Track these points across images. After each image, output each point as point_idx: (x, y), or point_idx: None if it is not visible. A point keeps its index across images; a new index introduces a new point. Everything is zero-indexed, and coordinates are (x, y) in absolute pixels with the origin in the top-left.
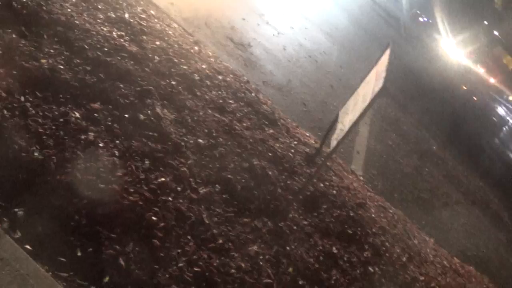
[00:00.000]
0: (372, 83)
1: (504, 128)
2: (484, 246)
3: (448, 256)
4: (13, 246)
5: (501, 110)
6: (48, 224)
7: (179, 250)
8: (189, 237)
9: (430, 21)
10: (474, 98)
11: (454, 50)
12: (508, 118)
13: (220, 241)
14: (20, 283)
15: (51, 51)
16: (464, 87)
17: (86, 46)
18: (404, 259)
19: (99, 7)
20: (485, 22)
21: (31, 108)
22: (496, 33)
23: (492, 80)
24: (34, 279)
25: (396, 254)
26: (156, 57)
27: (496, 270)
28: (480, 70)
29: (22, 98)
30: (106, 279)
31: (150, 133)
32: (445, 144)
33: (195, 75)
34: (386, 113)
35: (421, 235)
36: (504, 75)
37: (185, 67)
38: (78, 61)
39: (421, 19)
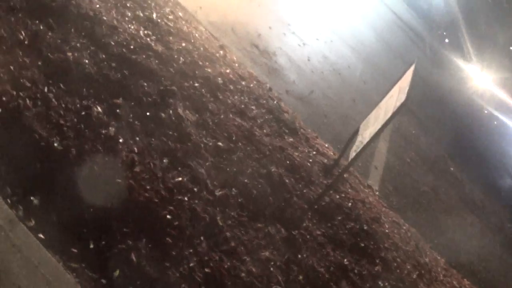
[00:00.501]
0: (395, 97)
1: None
2: (495, 270)
3: (459, 277)
4: (26, 234)
5: None
6: (62, 214)
7: (191, 250)
8: (202, 238)
9: (455, 43)
10: (495, 122)
11: (478, 73)
12: None
13: (233, 244)
14: (30, 270)
15: (78, 45)
16: (486, 111)
17: (112, 43)
18: (414, 276)
19: (128, 5)
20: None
21: (54, 99)
22: None
23: None
24: (44, 268)
25: (406, 270)
26: (181, 58)
27: None
28: (503, 95)
29: (46, 89)
30: (117, 273)
31: (170, 132)
32: (463, 166)
33: (219, 78)
34: (406, 131)
35: (433, 254)
36: None
37: (209, 70)
38: (103, 56)
39: (447, 40)
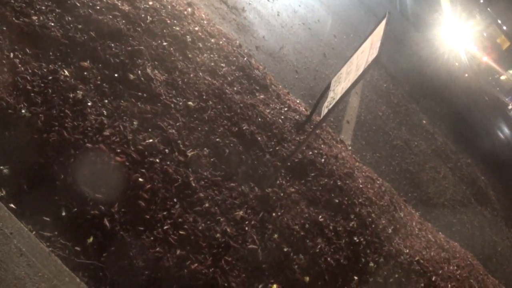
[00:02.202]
0: (367, 52)
1: (495, 107)
2: (469, 222)
3: (433, 231)
4: None
5: (492, 89)
6: (33, 183)
7: (164, 213)
8: (175, 200)
9: None
10: (466, 74)
11: (449, 26)
12: (498, 97)
13: (207, 205)
14: (2, 241)
15: (43, 8)
16: (456, 64)
17: (78, 4)
18: (389, 231)
19: None
20: (481, 1)
21: (20, 65)
22: (490, 11)
23: (485, 59)
24: (17, 238)
25: (381, 225)
26: (149, 17)
27: (480, 246)
28: (474, 49)
29: (12, 55)
30: (90, 239)
31: (140, 93)
32: (435, 119)
33: (187, 37)
34: (378, 85)
35: (408, 208)
36: (497, 55)
37: (177, 29)
38: (69, 18)
39: None
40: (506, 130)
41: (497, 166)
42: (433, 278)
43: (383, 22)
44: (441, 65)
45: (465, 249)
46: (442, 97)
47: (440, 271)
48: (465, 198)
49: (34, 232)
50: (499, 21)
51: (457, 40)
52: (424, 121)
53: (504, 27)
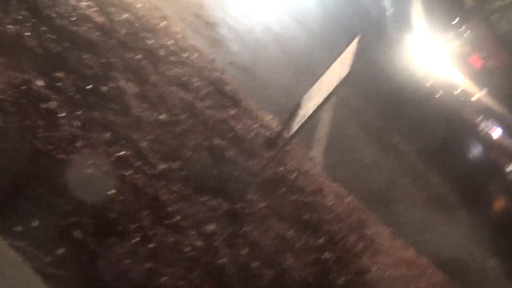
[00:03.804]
0: (339, 69)
1: (466, 127)
2: (441, 240)
3: (404, 247)
4: None
5: (463, 110)
6: (4, 192)
7: (135, 225)
8: (145, 212)
9: (400, 15)
10: (436, 96)
11: (422, 46)
12: (469, 118)
13: (177, 218)
14: None
15: (18, 17)
16: (427, 84)
17: (54, 14)
18: (359, 247)
19: None
20: (455, 21)
21: None
22: (464, 30)
23: (456, 78)
24: None
25: (351, 242)
26: (123, 30)
27: (450, 264)
28: (447, 69)
29: None
30: (61, 250)
31: (112, 105)
32: (406, 138)
33: (161, 50)
34: (350, 103)
35: (377, 225)
36: (470, 75)
37: (151, 42)
38: (44, 28)
39: (388, 12)
40: (476, 150)
41: (468, 186)
42: None
43: (355, 41)
44: (412, 85)
45: (436, 266)
46: (414, 117)
47: None
48: (435, 217)
49: (6, 242)
50: (472, 41)
51: (429, 60)
52: (396, 140)
53: (477, 47)
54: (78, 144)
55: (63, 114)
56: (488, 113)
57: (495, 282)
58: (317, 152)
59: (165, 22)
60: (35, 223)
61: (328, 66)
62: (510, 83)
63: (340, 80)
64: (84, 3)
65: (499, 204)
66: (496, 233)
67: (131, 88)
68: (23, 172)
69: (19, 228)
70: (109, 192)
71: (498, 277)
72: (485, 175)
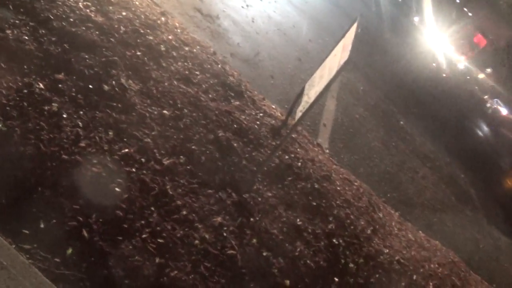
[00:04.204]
0: (339, 56)
1: (473, 106)
2: (450, 221)
3: (413, 230)
4: None
5: (470, 88)
6: (11, 195)
7: (142, 222)
8: (152, 208)
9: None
10: (444, 75)
11: (426, 27)
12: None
13: (184, 212)
14: None
15: (16, 21)
16: (434, 64)
17: (52, 17)
18: (368, 231)
19: None
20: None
21: None
22: (467, 11)
23: (462, 58)
24: None
25: (360, 227)
26: (122, 28)
27: (462, 244)
28: (452, 49)
29: None
30: (70, 251)
31: (115, 104)
32: (413, 119)
33: (161, 46)
34: (354, 88)
35: (387, 209)
36: (475, 54)
37: (151, 38)
38: (43, 31)
39: None
40: (484, 128)
41: (476, 164)
42: (414, 277)
43: (355, 25)
44: (418, 66)
45: (446, 247)
46: (420, 98)
47: (421, 270)
48: (445, 197)
49: (14, 245)
50: (476, 20)
51: (434, 40)
52: (402, 122)
53: (481, 26)
54: (82, 144)
55: (66, 115)
56: (495, 91)
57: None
58: (323, 138)
59: (165, 17)
60: (42, 225)
61: (330, 51)
62: None
63: (340, 66)
64: (81, 4)
65: (510, 180)
66: (507, 211)
67: (133, 85)
68: (28, 174)
69: (26, 231)
70: (116, 190)
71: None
72: (495, 153)
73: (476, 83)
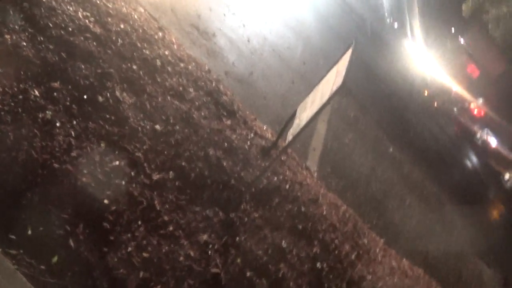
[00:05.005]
0: (332, 80)
1: (463, 136)
2: (435, 250)
3: (397, 257)
4: None
5: (461, 118)
6: (0, 201)
7: (129, 235)
8: (139, 222)
9: (398, 24)
10: (435, 104)
11: (420, 55)
12: (468, 127)
13: (171, 228)
14: None
15: (16, 27)
16: (426, 92)
17: (51, 24)
18: (352, 257)
19: None
20: (452, 29)
21: None
22: (462, 41)
23: (454, 88)
24: None
25: (345, 252)
26: (120, 40)
27: (445, 274)
28: (444, 77)
29: None
30: (55, 259)
31: (108, 116)
32: (402, 147)
33: (157, 60)
34: (346, 113)
35: (372, 235)
36: (468, 84)
37: (147, 52)
38: (41, 38)
39: (388, 21)
40: (473, 158)
41: (463, 195)
42: None
43: (350, 51)
44: (410, 93)
45: (429, 276)
46: (410, 126)
47: None
48: (431, 227)
49: (0, 250)
50: (470, 51)
51: (427, 68)
52: (391, 149)
53: (475, 57)
54: (74, 153)
55: (59, 124)
56: (485, 122)
57: None
58: (312, 162)
59: (162, 32)
60: (29, 232)
61: (323, 75)
62: (507, 92)
63: (332, 92)
64: (81, 14)
65: (496, 211)
66: (493, 240)
67: (127, 98)
68: (19, 180)
69: (12, 237)
70: (104, 201)
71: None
72: (482, 184)
73: (467, 113)
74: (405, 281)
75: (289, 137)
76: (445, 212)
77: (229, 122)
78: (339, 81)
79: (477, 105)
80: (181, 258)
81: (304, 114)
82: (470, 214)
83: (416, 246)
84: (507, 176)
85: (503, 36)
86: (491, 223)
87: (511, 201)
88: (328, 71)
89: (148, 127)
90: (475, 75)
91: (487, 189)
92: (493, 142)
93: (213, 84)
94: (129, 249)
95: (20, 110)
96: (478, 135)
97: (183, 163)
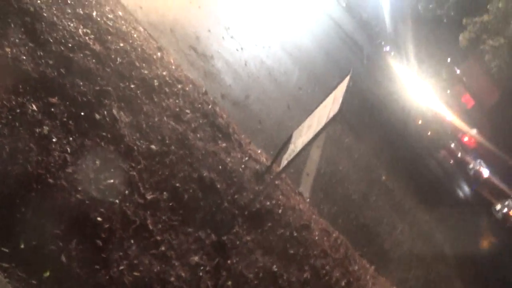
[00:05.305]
0: (329, 107)
1: (456, 166)
2: (424, 277)
3: (387, 286)
4: None
5: (455, 148)
6: None
7: (121, 253)
8: (132, 241)
9: (393, 53)
10: (429, 133)
11: (415, 83)
12: (462, 158)
13: (163, 248)
14: None
15: (17, 40)
16: (420, 122)
17: (51, 40)
18: (342, 284)
19: (69, 1)
20: (448, 59)
21: None
22: (458, 71)
23: (448, 118)
24: None
25: (335, 278)
26: (118, 59)
27: None
28: (439, 106)
29: None
30: (47, 274)
31: (104, 133)
32: (395, 174)
33: (155, 80)
34: (340, 139)
35: (362, 262)
36: (462, 114)
37: (145, 72)
38: (41, 53)
39: (385, 49)
40: (466, 188)
41: (454, 224)
42: None
43: (347, 78)
44: (404, 122)
45: None
46: (404, 154)
47: None
48: (421, 255)
49: None
50: (465, 81)
51: (422, 97)
52: (384, 177)
53: (470, 87)
54: (69, 169)
55: (55, 139)
56: (478, 152)
57: None
58: (305, 187)
59: (161, 52)
60: (22, 245)
61: (319, 100)
62: (501, 123)
63: (329, 119)
64: (81, 30)
65: (487, 241)
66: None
67: (123, 117)
68: (13, 194)
69: (5, 250)
70: (97, 219)
71: None
72: (474, 214)
73: (460, 144)
74: None
75: (284, 162)
76: (435, 241)
77: (224, 144)
78: (335, 108)
79: (470, 135)
80: (172, 279)
81: (300, 140)
82: (461, 243)
83: (405, 273)
84: (498, 206)
85: (499, 67)
86: (481, 251)
87: (501, 231)
88: (324, 97)
89: (143, 146)
90: (469, 105)
91: (479, 218)
92: (485, 172)
93: (210, 106)
94: (121, 267)
95: (17, 123)
96: (471, 165)
97: (177, 184)
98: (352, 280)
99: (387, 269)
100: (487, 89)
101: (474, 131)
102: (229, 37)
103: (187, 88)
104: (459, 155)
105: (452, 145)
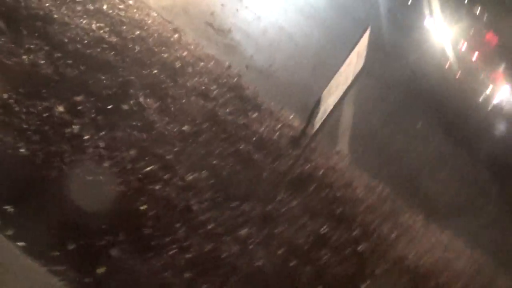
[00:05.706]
0: (353, 63)
1: (485, 108)
2: (475, 222)
3: (438, 231)
4: (6, 243)
5: (483, 89)
6: (39, 220)
7: (170, 238)
8: (179, 224)
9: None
10: (457, 75)
11: (438, 28)
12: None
13: (210, 227)
14: (14, 280)
15: (31, 46)
16: (447, 65)
17: (66, 40)
18: (393, 236)
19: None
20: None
21: (15, 105)
22: (477, 9)
23: (474, 57)
24: (29, 276)
25: (385, 232)
26: (136, 47)
27: (487, 245)
28: (464, 48)
29: (5, 96)
30: (100, 270)
31: (134, 123)
32: (431, 121)
33: (176, 63)
34: (370, 94)
35: (410, 212)
36: (487, 52)
37: (165, 56)
38: (58, 55)
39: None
40: (502, 128)
41: (497, 164)
42: (440, 280)
43: (367, 33)
44: (431, 68)
45: (470, 248)
46: (435, 100)
47: (446, 272)
48: (468, 200)
49: (46, 268)
50: (487, 18)
51: (446, 41)
52: (420, 125)
53: (492, 24)
54: (105, 164)
55: (87, 137)
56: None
57: None
58: (342, 145)
59: (177, 34)
60: (72, 246)
61: (343, 58)
62: None
63: (355, 74)
64: (94, 25)
65: None
66: None
67: (151, 103)
68: (54, 198)
69: (56, 253)
70: (141, 208)
71: None
72: None
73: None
74: (448, 255)
75: (317, 123)
76: (480, 183)
77: (255, 115)
78: (360, 62)
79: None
80: (224, 255)
81: (331, 99)
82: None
83: (456, 219)
84: None
85: None
86: None
87: None
88: (348, 53)
89: (175, 129)
90: (493, 43)
91: None
92: None
93: (235, 80)
94: (172, 252)
95: (46, 128)
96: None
97: (214, 161)
98: (402, 232)
99: (436, 216)
100: (508, 26)
101: (501, 67)
102: (244, 8)
103: (209, 65)
104: (491, 93)
105: (482, 85)
